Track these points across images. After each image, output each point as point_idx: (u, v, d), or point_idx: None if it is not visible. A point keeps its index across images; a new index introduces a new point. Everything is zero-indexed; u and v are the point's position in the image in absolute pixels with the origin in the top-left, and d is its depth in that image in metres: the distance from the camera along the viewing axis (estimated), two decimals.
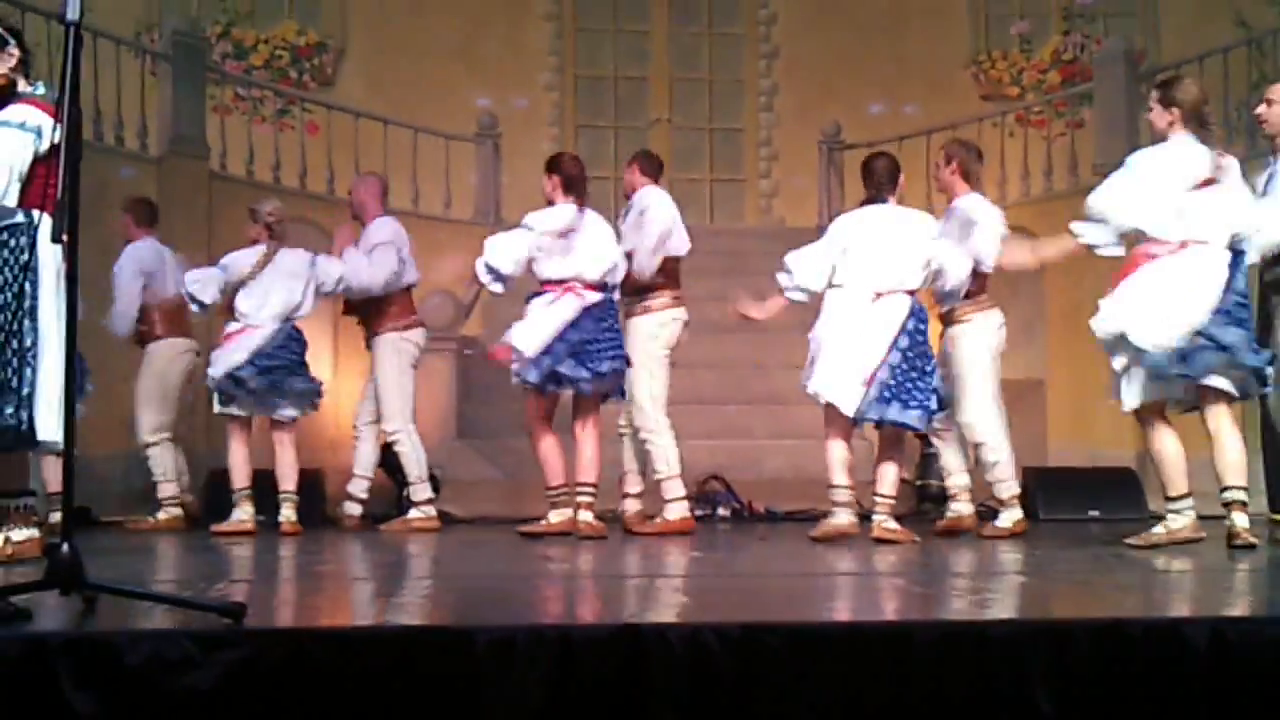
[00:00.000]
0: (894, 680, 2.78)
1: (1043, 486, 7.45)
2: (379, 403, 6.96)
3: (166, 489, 6.96)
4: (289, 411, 6.69)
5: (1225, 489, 5.08)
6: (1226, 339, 4.93)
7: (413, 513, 6.91)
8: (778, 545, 5.92)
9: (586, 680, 2.73)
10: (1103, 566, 4.71)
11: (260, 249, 6.67)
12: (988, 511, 6.28)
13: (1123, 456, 7.95)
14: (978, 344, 6.15)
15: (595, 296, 6.14)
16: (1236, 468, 5.07)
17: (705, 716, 2.73)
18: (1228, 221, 5.10)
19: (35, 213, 4.41)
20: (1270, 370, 5.05)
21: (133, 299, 6.95)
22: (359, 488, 7.05)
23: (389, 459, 7.13)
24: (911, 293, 5.81)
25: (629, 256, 6.33)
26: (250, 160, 9.86)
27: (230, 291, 6.61)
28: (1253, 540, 4.98)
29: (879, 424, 5.81)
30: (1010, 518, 6.10)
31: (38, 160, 4.41)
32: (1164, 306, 4.98)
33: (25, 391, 4.36)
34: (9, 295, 4.38)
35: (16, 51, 4.56)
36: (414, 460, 6.93)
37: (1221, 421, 5.09)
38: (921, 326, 5.78)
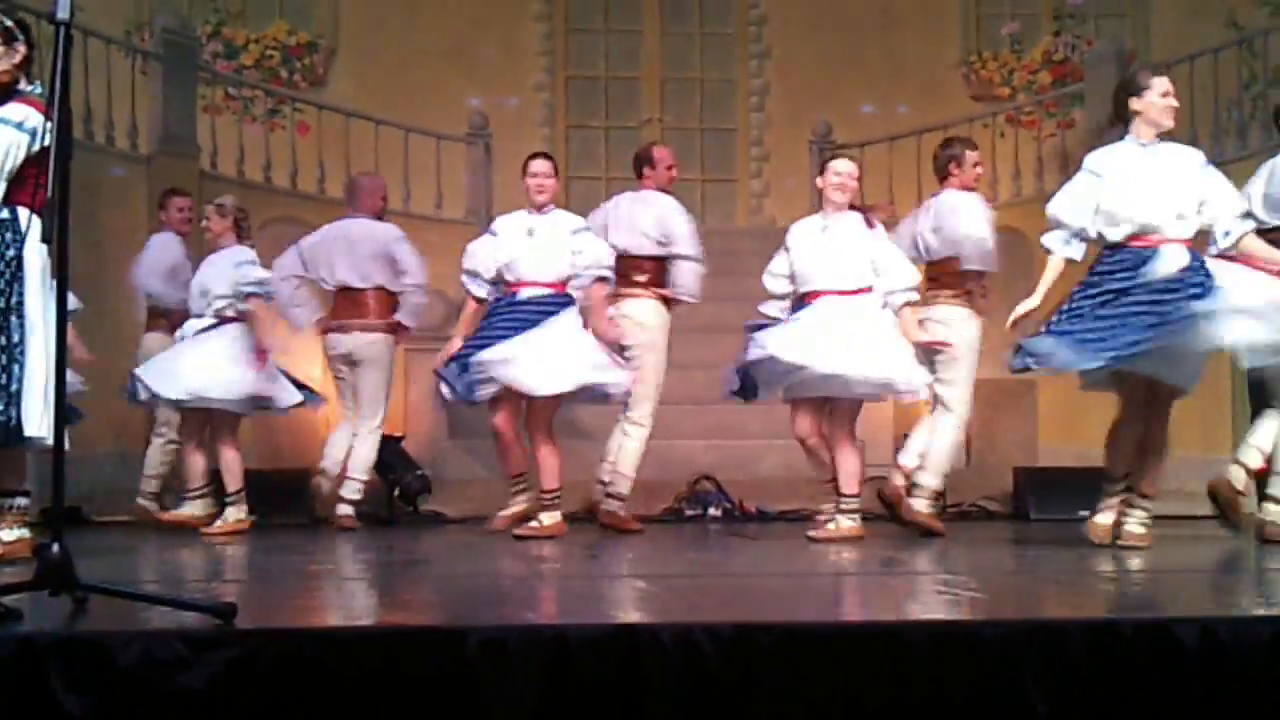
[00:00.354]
0: (887, 680, 2.79)
1: (1034, 486, 7.47)
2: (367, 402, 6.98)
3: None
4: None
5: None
6: None
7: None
8: (770, 545, 5.93)
9: (580, 681, 2.72)
10: (1094, 566, 4.71)
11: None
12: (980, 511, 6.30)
13: None
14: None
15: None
16: None
17: (698, 717, 2.73)
18: None
19: (22, 210, 4.43)
20: None
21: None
22: (352, 489, 7.02)
23: (382, 458, 7.15)
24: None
25: None
26: (241, 160, 9.83)
27: None
28: None
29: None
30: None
31: (29, 159, 4.41)
32: None
33: (14, 389, 4.37)
34: None
35: (23, 48, 4.55)
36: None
37: None
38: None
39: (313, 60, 10.98)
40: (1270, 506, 5.48)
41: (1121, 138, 5.31)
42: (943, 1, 11.40)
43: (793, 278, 5.94)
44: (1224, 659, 2.83)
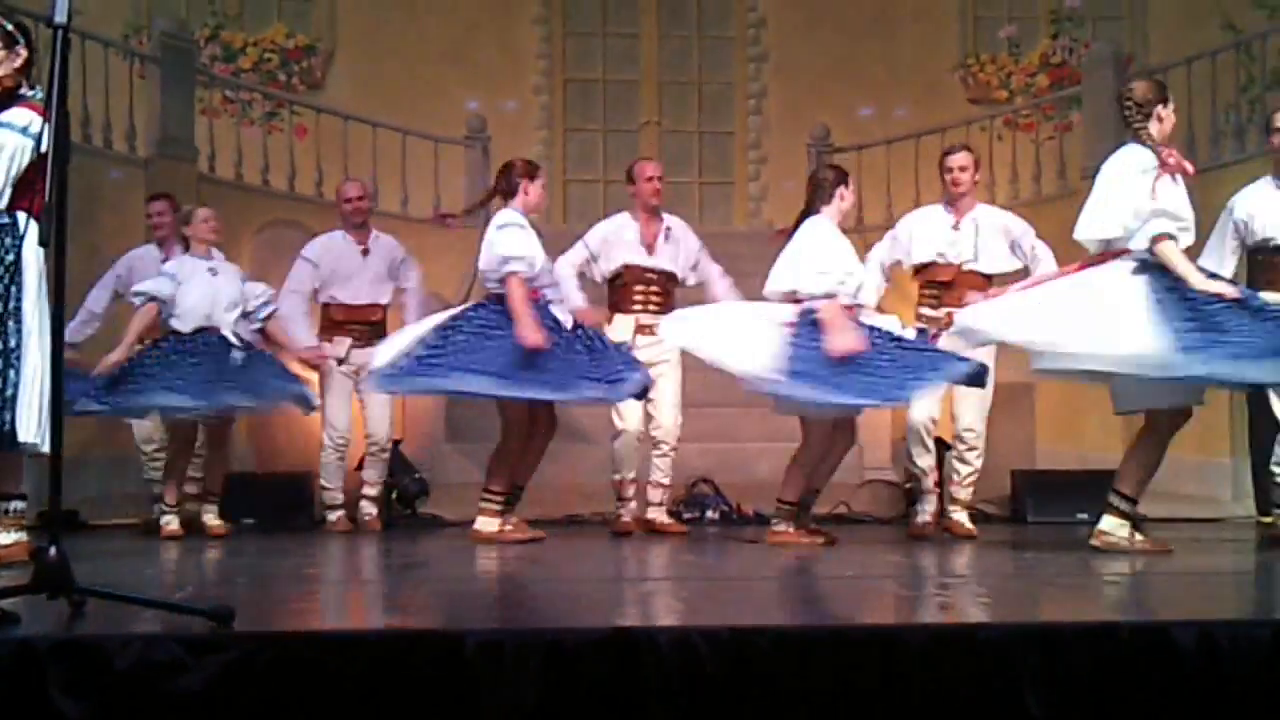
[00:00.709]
0: (883, 683, 2.79)
1: (1032, 489, 7.46)
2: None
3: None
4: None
5: None
6: None
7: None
8: (767, 548, 5.92)
9: (577, 684, 2.72)
10: (1091, 569, 4.71)
11: None
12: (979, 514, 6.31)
13: (1111, 459, 7.90)
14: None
15: None
16: None
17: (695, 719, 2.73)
18: None
19: (20, 215, 4.42)
20: None
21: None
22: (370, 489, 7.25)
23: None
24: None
25: None
26: (239, 163, 9.83)
27: None
28: None
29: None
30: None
31: (31, 164, 4.40)
32: None
33: (9, 393, 4.36)
34: None
35: (24, 52, 4.55)
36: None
37: None
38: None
39: (311, 63, 10.97)
40: None
41: (1124, 143, 5.27)
42: (940, 5, 11.39)
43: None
44: (1222, 663, 2.83)
